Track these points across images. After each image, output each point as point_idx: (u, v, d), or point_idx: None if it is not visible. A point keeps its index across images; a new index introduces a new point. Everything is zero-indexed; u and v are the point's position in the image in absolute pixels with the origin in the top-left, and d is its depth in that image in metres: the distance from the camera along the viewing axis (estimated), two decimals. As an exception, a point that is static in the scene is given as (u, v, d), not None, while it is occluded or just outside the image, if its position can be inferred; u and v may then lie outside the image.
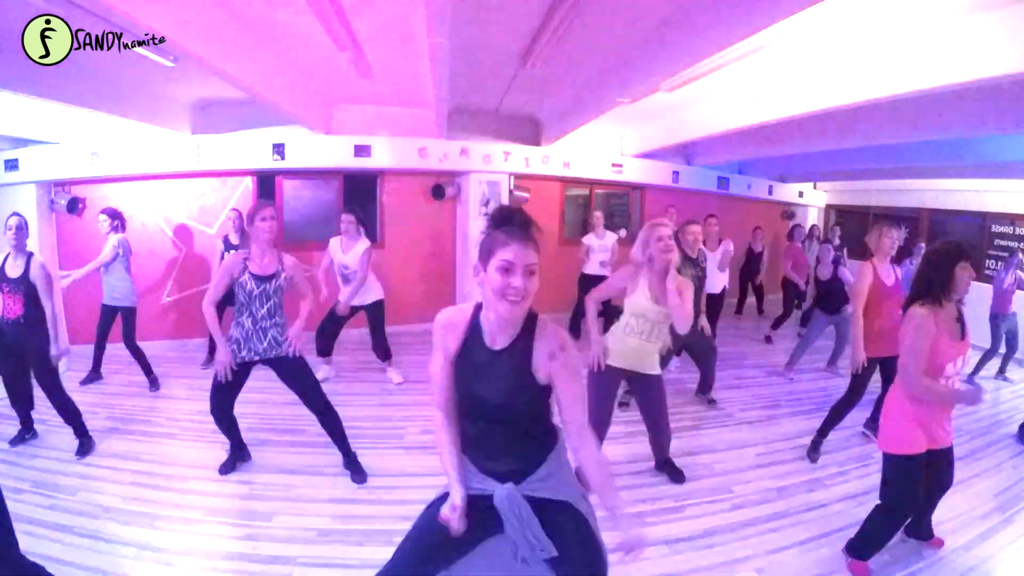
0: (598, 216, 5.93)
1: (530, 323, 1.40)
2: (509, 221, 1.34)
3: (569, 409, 1.40)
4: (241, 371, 2.92)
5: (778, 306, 6.87)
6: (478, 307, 1.43)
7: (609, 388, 2.89)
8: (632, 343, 2.78)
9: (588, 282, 5.85)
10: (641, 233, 2.74)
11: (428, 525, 1.48)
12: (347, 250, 4.32)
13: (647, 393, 2.92)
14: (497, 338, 1.40)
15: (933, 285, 2.15)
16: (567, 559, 1.41)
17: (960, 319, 2.21)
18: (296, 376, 2.97)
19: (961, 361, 2.15)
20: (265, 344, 2.88)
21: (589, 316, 2.82)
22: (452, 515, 1.41)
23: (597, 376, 2.81)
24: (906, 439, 2.20)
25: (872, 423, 3.74)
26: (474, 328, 1.42)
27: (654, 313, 2.70)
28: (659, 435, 3.01)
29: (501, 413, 1.41)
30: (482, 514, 1.44)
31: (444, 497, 1.48)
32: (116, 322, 4.43)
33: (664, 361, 2.98)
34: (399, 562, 1.48)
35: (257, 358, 2.89)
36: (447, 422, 1.51)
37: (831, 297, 4.89)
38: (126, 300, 4.41)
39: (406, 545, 1.50)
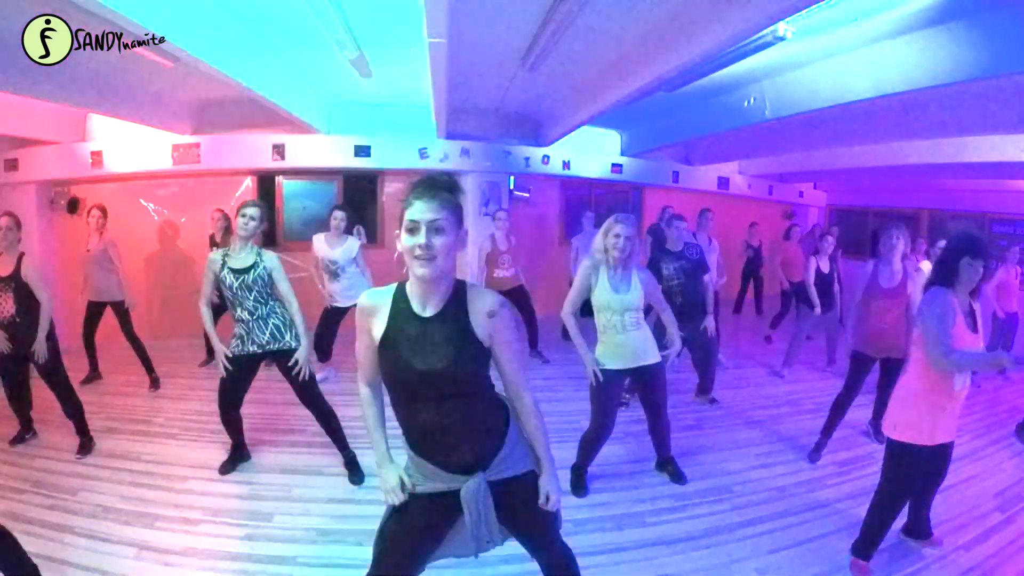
0: (589, 216, 5.86)
1: (459, 288, 1.40)
2: (421, 182, 1.34)
3: (509, 364, 1.45)
4: (247, 366, 2.93)
5: (776, 305, 6.87)
6: (401, 284, 1.42)
7: (613, 392, 2.84)
8: (619, 339, 2.74)
9: None
10: (604, 225, 2.76)
11: (398, 531, 1.48)
12: (334, 246, 4.33)
13: (648, 382, 2.87)
14: (426, 305, 1.37)
15: (942, 274, 2.21)
16: (528, 528, 1.57)
17: (973, 313, 2.22)
18: (297, 371, 2.96)
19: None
20: (267, 335, 2.89)
21: (571, 331, 2.77)
22: (394, 497, 1.46)
23: (599, 384, 2.78)
24: (912, 427, 2.22)
25: (876, 422, 3.74)
26: (399, 302, 1.39)
27: (617, 302, 2.71)
28: (659, 425, 2.98)
29: (448, 380, 1.35)
30: (447, 505, 1.46)
31: (398, 508, 1.48)
32: (111, 320, 4.43)
33: (662, 347, 2.93)
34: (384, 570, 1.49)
35: (260, 351, 2.90)
36: (373, 395, 1.56)
37: (822, 294, 4.89)
38: (116, 295, 4.42)
39: (385, 555, 1.50)
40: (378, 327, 1.38)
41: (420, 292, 1.36)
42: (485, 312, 1.37)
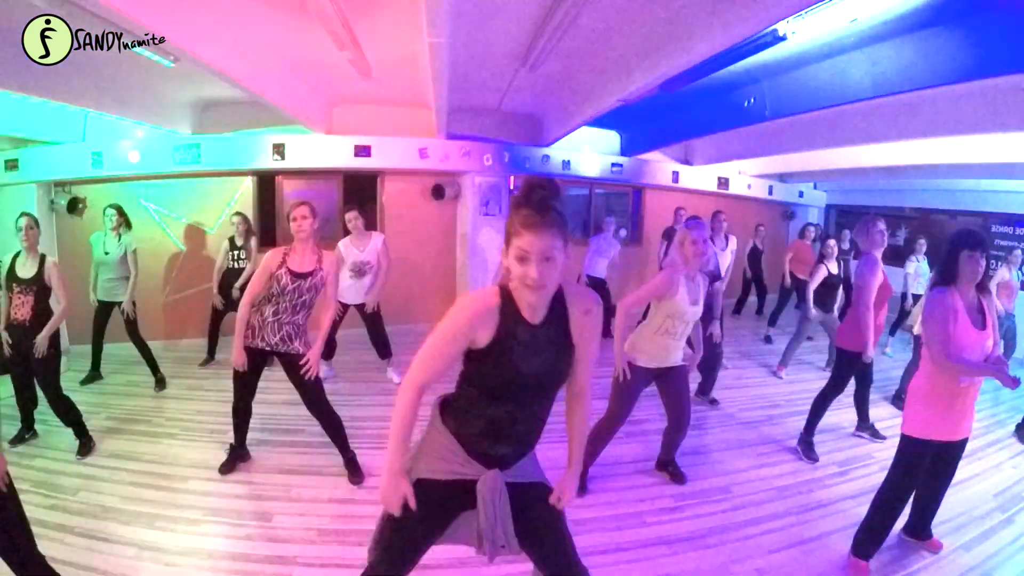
0: (610, 221, 6.03)
1: (559, 291, 1.41)
2: (527, 203, 1.29)
3: (585, 366, 1.48)
4: (257, 359, 2.92)
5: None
6: (503, 289, 1.38)
7: (636, 390, 2.88)
8: (663, 341, 2.81)
9: (591, 285, 5.90)
10: (676, 236, 2.85)
11: (400, 524, 1.46)
12: (362, 247, 4.33)
13: (673, 384, 2.93)
14: (535, 311, 1.37)
15: (944, 272, 2.21)
16: (541, 540, 1.51)
17: (981, 309, 2.20)
18: (303, 376, 2.93)
19: (982, 350, 2.14)
20: (277, 338, 2.85)
21: (620, 324, 2.75)
22: (397, 508, 1.41)
23: (624, 380, 2.81)
24: (922, 423, 2.23)
25: (863, 423, 3.75)
26: (508, 309, 1.36)
27: (691, 314, 2.80)
28: (679, 428, 3.01)
29: (544, 383, 1.42)
30: (456, 496, 1.45)
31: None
32: (117, 320, 4.43)
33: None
34: (388, 565, 1.47)
35: (268, 348, 2.88)
36: (416, 402, 1.44)
37: (826, 294, 4.90)
38: (121, 296, 4.41)
39: (389, 548, 1.49)
40: (487, 332, 1.35)
41: (529, 302, 1.35)
42: (582, 311, 1.41)
